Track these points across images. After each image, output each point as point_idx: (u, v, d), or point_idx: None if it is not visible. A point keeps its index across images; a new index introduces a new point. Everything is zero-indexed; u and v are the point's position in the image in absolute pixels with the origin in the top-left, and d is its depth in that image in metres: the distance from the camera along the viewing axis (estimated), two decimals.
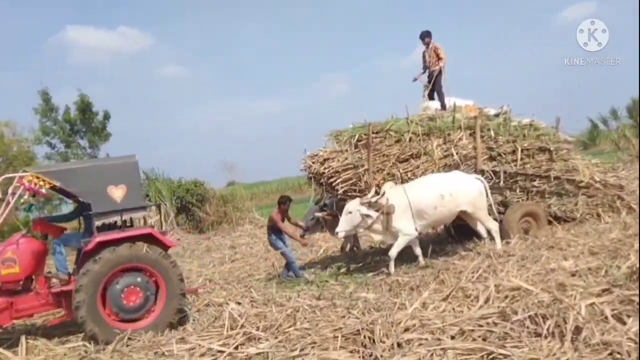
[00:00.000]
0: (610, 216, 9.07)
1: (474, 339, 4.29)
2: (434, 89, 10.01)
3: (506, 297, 5.18)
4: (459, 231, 9.15)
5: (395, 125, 8.69)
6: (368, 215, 7.55)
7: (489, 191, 8.19)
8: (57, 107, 22.22)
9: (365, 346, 4.37)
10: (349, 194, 8.26)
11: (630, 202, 9.34)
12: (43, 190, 5.69)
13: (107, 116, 22.86)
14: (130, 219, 6.24)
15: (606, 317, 4.18)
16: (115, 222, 6.09)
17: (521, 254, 7.15)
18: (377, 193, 7.72)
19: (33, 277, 5.99)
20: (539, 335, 4.16)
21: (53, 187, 5.89)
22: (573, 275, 5.64)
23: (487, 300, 5.18)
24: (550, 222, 8.90)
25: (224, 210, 19.68)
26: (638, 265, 5.10)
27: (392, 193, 7.70)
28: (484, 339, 4.28)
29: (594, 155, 12.91)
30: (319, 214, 8.81)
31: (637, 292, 4.44)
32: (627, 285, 4.71)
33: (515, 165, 8.92)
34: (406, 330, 4.63)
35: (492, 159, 8.94)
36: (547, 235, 8.27)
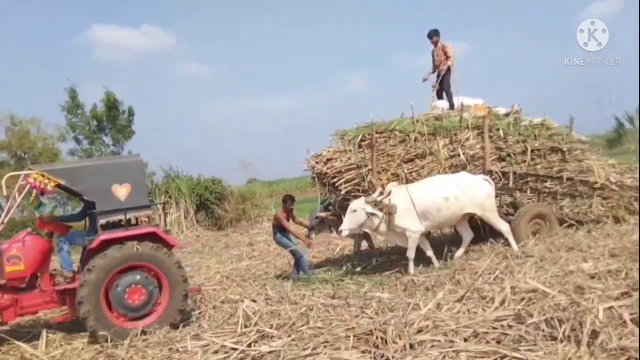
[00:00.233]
0: (628, 218, 8.83)
1: (487, 342, 4.23)
2: (443, 88, 9.89)
3: (522, 299, 5.08)
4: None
5: (400, 125, 8.60)
6: (373, 214, 7.50)
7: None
8: (83, 104, 22.65)
9: (377, 347, 4.35)
10: (352, 194, 8.21)
11: None
12: (48, 188, 5.72)
13: (131, 112, 23.19)
14: (136, 217, 6.25)
15: (624, 322, 4.08)
16: (120, 220, 6.08)
17: (540, 255, 7.05)
18: (382, 192, 7.66)
19: (38, 274, 6.02)
20: (554, 338, 4.07)
21: (58, 185, 5.92)
22: (592, 277, 5.52)
23: (502, 302, 5.10)
24: (571, 225, 8.72)
25: (242, 207, 19.83)
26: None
27: (396, 193, 7.62)
28: (498, 342, 4.22)
29: (619, 155, 12.62)
30: (322, 214, 8.79)
31: None
32: None
33: (526, 166, 8.76)
34: (419, 331, 4.59)
35: (501, 159, 8.79)
36: (567, 236, 8.13)
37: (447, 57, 9.76)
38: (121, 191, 5.95)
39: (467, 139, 8.69)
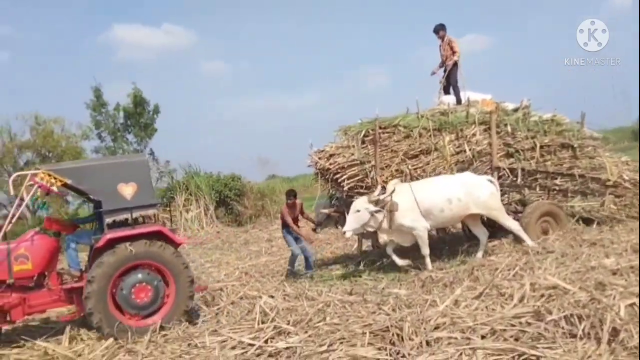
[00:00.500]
0: None
1: (505, 339, 4.18)
2: (450, 83, 9.77)
3: (542, 295, 5.01)
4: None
5: (405, 121, 8.51)
6: (378, 211, 7.41)
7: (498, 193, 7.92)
8: (107, 102, 23.00)
9: (393, 343, 4.34)
10: (356, 190, 8.15)
11: None
12: (55, 188, 5.74)
13: (156, 111, 23.43)
14: (142, 216, 6.22)
15: None
16: (127, 219, 6.06)
17: (561, 250, 6.94)
18: (383, 189, 7.57)
19: (46, 273, 6.05)
20: (574, 336, 4.02)
21: (65, 185, 5.93)
22: (614, 273, 5.42)
23: (521, 299, 5.04)
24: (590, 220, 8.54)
25: (261, 203, 19.92)
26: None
27: (399, 191, 7.50)
28: (516, 339, 4.17)
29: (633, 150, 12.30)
30: (326, 210, 8.74)
31: None
32: None
33: (535, 163, 8.60)
34: (436, 328, 4.56)
35: (509, 155, 8.64)
36: (590, 231, 7.99)
37: (454, 53, 9.64)
38: (127, 190, 5.97)
39: (474, 134, 8.56)
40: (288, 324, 5.21)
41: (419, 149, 8.40)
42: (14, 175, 6.40)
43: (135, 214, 6.03)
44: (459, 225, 9.79)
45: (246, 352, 4.75)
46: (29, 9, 51.49)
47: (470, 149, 8.46)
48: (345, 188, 8.20)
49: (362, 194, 7.89)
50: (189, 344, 5.22)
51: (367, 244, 9.94)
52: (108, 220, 5.94)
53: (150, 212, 6.22)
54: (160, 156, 24.14)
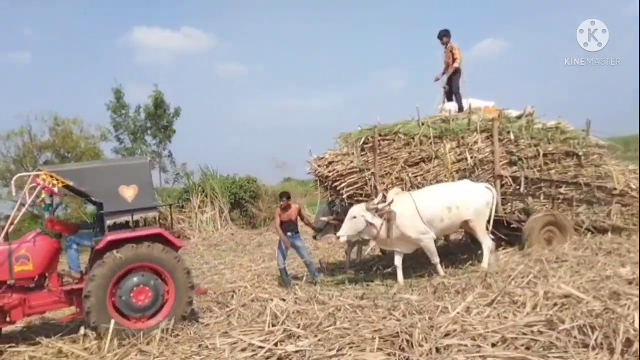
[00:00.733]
0: None
1: (516, 348, 4.14)
2: (451, 90, 9.70)
3: (555, 304, 4.97)
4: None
5: (405, 128, 8.43)
6: (372, 224, 7.29)
7: (498, 202, 7.80)
8: (128, 104, 23.30)
9: (402, 349, 4.32)
10: (355, 198, 8.07)
11: None
12: (56, 189, 5.76)
13: (177, 113, 23.68)
14: (145, 219, 6.21)
15: None
16: (127, 222, 6.07)
17: (576, 259, 6.85)
18: (383, 198, 7.46)
19: (46, 274, 6.06)
20: (586, 346, 3.96)
21: (66, 186, 5.96)
22: (630, 283, 5.35)
23: (534, 307, 5.00)
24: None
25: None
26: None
27: (400, 201, 7.38)
28: (527, 348, 4.13)
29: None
30: (325, 218, 8.68)
31: None
32: None
33: (539, 171, 8.48)
34: (446, 335, 4.53)
35: (512, 163, 8.53)
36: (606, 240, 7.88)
37: (454, 60, 9.56)
38: (128, 192, 5.99)
39: (476, 142, 8.47)
40: (298, 327, 5.22)
41: (420, 157, 8.32)
42: (16, 176, 6.43)
43: (136, 217, 6.05)
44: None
45: (256, 354, 4.76)
46: (49, 10, 52.28)
47: (471, 157, 8.37)
48: (344, 196, 8.12)
49: (361, 202, 7.80)
50: (199, 345, 5.26)
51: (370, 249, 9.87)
52: (109, 222, 5.95)
53: (151, 214, 6.20)
54: (177, 158, 24.43)
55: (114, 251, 5.82)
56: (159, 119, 23.34)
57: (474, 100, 9.23)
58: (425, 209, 7.40)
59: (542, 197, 8.55)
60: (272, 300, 6.47)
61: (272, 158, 30.27)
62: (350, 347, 4.49)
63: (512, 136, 8.57)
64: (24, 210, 6.00)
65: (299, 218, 8.56)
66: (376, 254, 10.40)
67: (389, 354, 4.29)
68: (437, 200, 7.51)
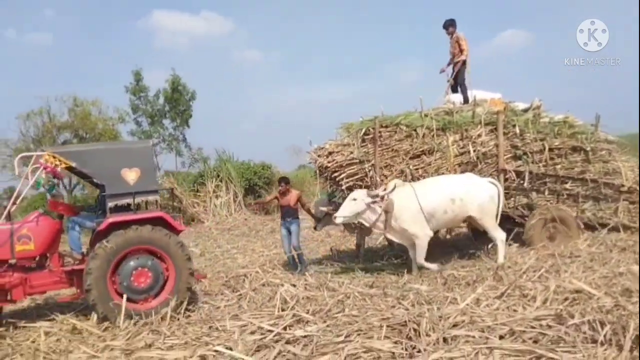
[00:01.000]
0: None
1: (524, 341, 4.13)
2: (457, 81, 9.51)
3: (565, 299, 4.94)
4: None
5: (407, 119, 8.29)
6: (373, 203, 7.18)
7: (502, 197, 7.64)
8: (148, 87, 23.46)
9: (410, 338, 4.34)
10: (354, 189, 7.92)
11: None
12: (59, 170, 5.82)
13: (193, 97, 23.80)
14: (145, 202, 6.27)
15: None
16: (129, 204, 6.12)
17: (590, 255, 6.79)
18: (385, 190, 7.33)
19: (47, 254, 6.11)
20: (595, 341, 3.94)
21: (69, 167, 6.02)
22: None
23: (544, 301, 4.98)
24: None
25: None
26: None
27: (401, 192, 7.27)
28: (535, 342, 4.12)
29: None
30: (324, 208, 8.66)
31: None
32: None
33: (544, 166, 8.32)
34: (454, 325, 4.54)
35: (516, 157, 8.37)
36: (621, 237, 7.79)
37: (461, 51, 9.36)
38: (130, 175, 6.03)
39: (479, 135, 8.30)
40: (307, 312, 5.27)
41: (421, 149, 8.18)
42: (20, 155, 6.47)
43: (138, 200, 6.09)
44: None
45: (265, 337, 4.81)
46: None
47: (475, 150, 8.23)
48: (344, 187, 8.04)
49: None
50: (210, 327, 5.34)
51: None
52: (111, 204, 6.01)
53: (152, 198, 6.23)
54: (193, 143, 24.59)
55: (104, 241, 5.87)
56: (177, 103, 23.49)
57: (480, 92, 9.09)
58: (427, 201, 7.27)
59: (547, 193, 8.40)
60: (282, 285, 6.53)
61: (290, 145, 30.31)
62: (358, 334, 4.53)
63: (517, 130, 8.39)
64: (25, 190, 6.04)
65: (299, 205, 8.59)
66: (387, 243, 10.40)
67: (396, 342, 4.32)
68: (440, 192, 7.38)
